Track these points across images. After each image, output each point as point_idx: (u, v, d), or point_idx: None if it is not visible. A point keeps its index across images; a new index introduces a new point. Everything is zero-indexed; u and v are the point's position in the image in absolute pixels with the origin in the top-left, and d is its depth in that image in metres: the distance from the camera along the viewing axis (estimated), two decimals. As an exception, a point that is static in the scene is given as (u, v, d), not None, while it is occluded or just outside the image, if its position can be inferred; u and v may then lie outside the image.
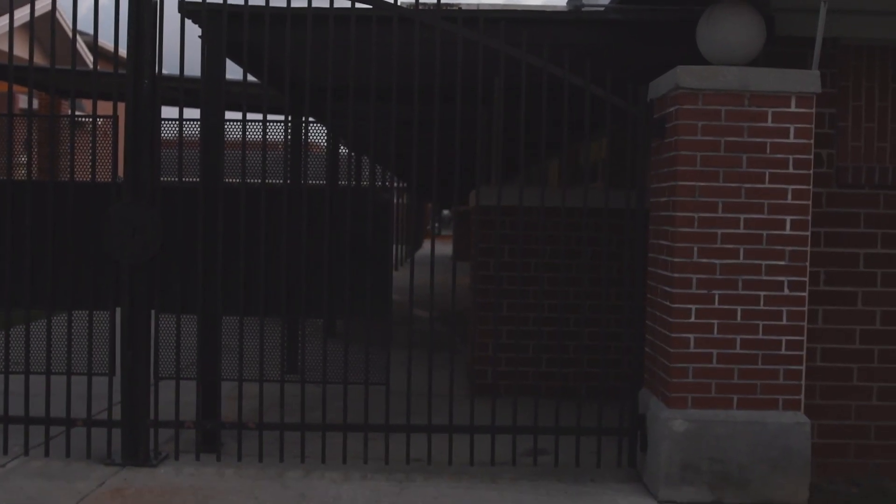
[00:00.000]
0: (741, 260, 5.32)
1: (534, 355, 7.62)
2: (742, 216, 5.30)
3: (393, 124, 5.69)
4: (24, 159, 6.55)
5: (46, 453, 5.73)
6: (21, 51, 15.56)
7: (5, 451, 5.73)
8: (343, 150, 10.46)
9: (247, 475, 5.50)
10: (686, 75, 5.27)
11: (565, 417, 6.23)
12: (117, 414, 5.75)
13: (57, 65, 6.07)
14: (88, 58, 20.83)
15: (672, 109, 5.40)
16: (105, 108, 15.78)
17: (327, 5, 5.60)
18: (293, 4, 5.73)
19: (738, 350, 5.34)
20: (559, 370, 5.88)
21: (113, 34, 5.67)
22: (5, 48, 15.56)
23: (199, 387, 5.79)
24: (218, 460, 5.73)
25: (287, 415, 5.93)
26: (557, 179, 19.64)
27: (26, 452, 5.74)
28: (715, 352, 5.33)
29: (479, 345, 7.90)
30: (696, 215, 5.30)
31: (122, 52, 5.75)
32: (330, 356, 5.76)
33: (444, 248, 34.68)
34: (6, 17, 15.37)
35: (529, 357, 7.77)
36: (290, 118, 8.53)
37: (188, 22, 5.92)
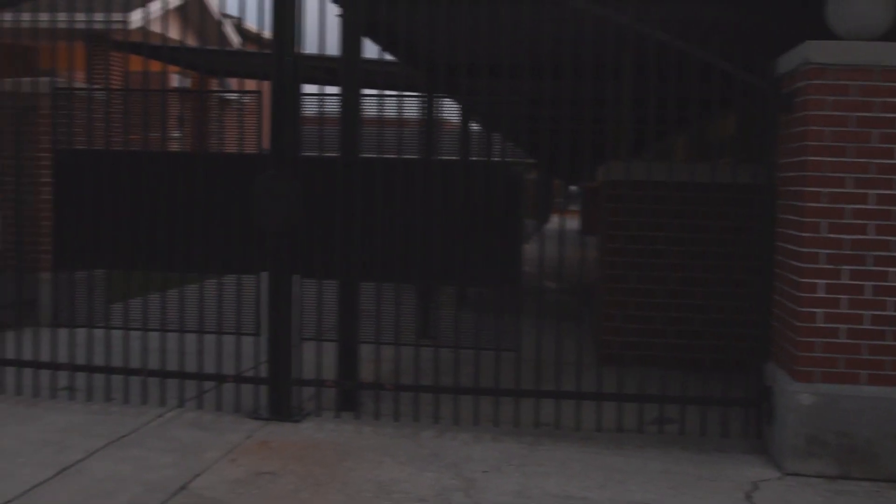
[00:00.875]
0: (870, 235, 5.30)
1: (660, 327, 7.70)
2: (871, 192, 5.28)
3: (523, 101, 5.86)
4: (177, 134, 6.99)
5: (199, 406, 6.19)
6: (173, 33, 16.27)
7: (163, 403, 6.20)
8: (475, 126, 10.70)
9: (383, 433, 5.80)
10: (816, 50, 5.26)
11: (691, 388, 6.32)
12: (263, 372, 6.13)
13: (206, 46, 6.44)
14: (235, 39, 21.56)
15: (801, 84, 5.41)
16: (250, 85, 16.34)
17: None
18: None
19: (866, 326, 5.32)
20: (685, 342, 5.97)
21: (257, 16, 6.00)
22: (159, 31, 16.31)
23: (339, 348, 6.14)
24: (357, 418, 6.06)
25: (421, 378, 6.21)
26: (684, 154, 19.41)
27: (181, 404, 6.20)
28: (843, 327, 5.33)
29: (607, 315, 8.01)
30: (824, 190, 5.29)
31: (267, 33, 6.07)
32: (462, 323, 5.98)
33: (572, 224, 34.63)
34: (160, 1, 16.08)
35: (656, 328, 7.85)
36: (426, 95, 8.78)
37: (328, 3, 6.23)
